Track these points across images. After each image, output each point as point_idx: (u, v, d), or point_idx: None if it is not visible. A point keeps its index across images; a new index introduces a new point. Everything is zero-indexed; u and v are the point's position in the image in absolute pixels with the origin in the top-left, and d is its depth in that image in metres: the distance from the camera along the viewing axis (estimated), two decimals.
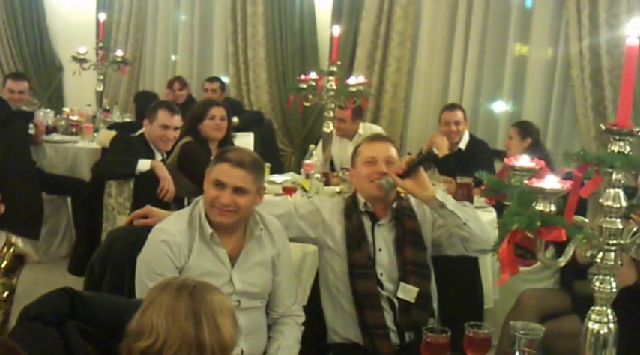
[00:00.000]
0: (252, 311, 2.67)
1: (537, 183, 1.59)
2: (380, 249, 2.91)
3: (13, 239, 2.58)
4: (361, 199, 2.95)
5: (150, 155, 4.36)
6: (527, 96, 6.11)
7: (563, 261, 1.70)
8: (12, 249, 2.54)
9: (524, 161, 1.77)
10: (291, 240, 2.92)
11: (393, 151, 2.92)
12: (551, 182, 1.59)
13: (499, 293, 4.28)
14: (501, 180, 1.67)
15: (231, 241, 2.64)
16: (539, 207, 1.60)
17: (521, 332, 2.23)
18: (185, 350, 1.68)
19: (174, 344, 1.68)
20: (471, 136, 5.47)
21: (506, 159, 1.84)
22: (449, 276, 3.07)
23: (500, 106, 6.35)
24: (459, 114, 5.40)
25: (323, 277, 3.00)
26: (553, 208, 1.64)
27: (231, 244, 2.64)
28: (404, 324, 2.86)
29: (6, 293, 2.55)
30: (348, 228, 2.91)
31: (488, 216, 4.30)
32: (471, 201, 4.24)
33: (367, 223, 2.93)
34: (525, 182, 1.65)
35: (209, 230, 2.58)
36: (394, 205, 2.94)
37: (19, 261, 2.59)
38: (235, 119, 6.24)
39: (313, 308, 3.02)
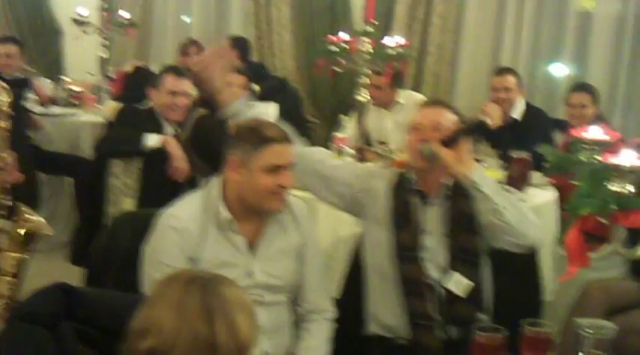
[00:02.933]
0: (275, 307, 2.67)
1: (612, 159, 1.51)
2: (427, 232, 2.91)
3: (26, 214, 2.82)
4: (411, 175, 2.95)
5: (159, 129, 4.33)
6: (592, 59, 6.01)
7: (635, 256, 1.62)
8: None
9: (595, 132, 1.68)
10: (330, 200, 3.01)
11: (446, 117, 2.89)
12: (630, 157, 1.50)
13: (559, 283, 4.22)
14: (569, 155, 1.59)
15: (249, 227, 2.63)
16: (615, 187, 1.52)
17: (589, 330, 2.18)
18: (196, 352, 1.66)
19: (183, 344, 1.66)
20: (528, 105, 5.39)
21: (572, 130, 1.76)
22: (504, 266, 3.03)
23: (561, 70, 6.26)
24: (509, 80, 5.34)
25: (369, 255, 3.00)
26: (632, 189, 1.55)
27: (249, 230, 2.63)
28: (449, 318, 2.86)
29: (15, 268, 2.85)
30: (394, 204, 2.92)
31: (547, 196, 4.31)
32: (527, 180, 4.26)
33: (415, 201, 2.93)
34: (598, 158, 1.56)
35: (228, 215, 2.58)
36: (448, 181, 2.92)
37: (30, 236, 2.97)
38: (256, 87, 6.20)
39: (347, 302, 3.03)
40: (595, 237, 4.57)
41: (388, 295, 2.90)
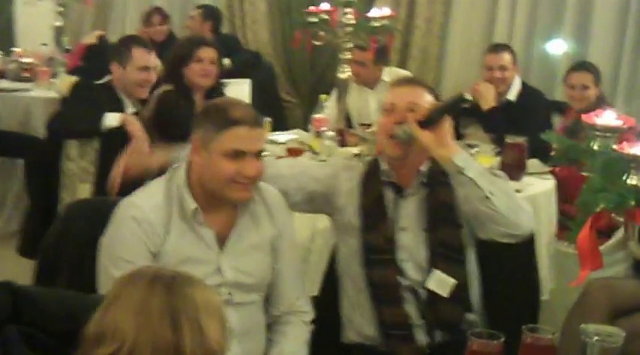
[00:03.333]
0: (247, 308, 2.62)
1: (630, 149, 1.45)
2: (403, 229, 2.85)
3: None
4: (383, 165, 2.89)
5: (119, 107, 4.25)
6: (593, 36, 5.97)
7: None
8: None
9: (608, 118, 1.63)
10: (301, 206, 2.94)
11: (422, 97, 2.83)
12: None
13: (555, 280, 4.27)
14: (577, 143, 1.54)
15: (218, 218, 2.58)
16: (634, 180, 1.46)
17: (595, 338, 2.13)
18: None
19: (145, 350, 1.63)
20: (524, 85, 5.37)
21: (583, 116, 1.71)
22: (495, 259, 2.99)
23: (560, 47, 6.21)
24: (505, 57, 5.30)
25: (339, 259, 2.98)
26: None
27: (218, 222, 2.58)
28: (433, 321, 2.82)
29: None
30: (364, 201, 2.87)
31: (545, 186, 4.31)
32: (523, 167, 4.23)
33: (389, 195, 2.87)
34: (613, 147, 1.51)
35: (192, 205, 2.52)
36: (424, 168, 2.85)
37: None
38: (227, 61, 6.18)
39: (326, 301, 3.00)
40: (602, 233, 4.62)
41: (363, 303, 2.87)
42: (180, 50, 4.56)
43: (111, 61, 4.41)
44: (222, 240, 2.58)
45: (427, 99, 2.82)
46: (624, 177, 1.44)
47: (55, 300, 1.92)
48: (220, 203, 2.56)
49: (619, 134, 1.58)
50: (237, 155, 2.46)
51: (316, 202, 2.95)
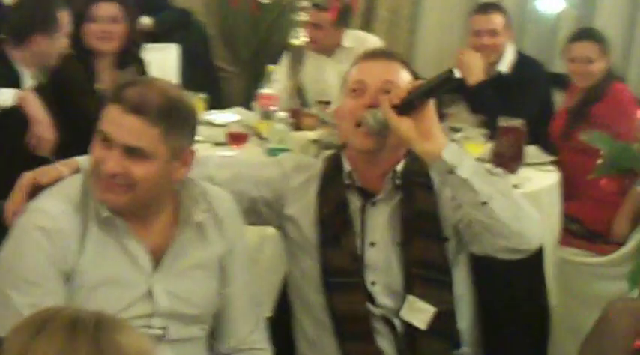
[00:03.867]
0: (186, 345, 2.53)
1: None
2: (373, 244, 2.77)
3: None
4: (346, 164, 2.79)
5: (13, 80, 4.12)
6: None
7: None
8: None
9: None
10: (245, 216, 2.78)
11: (400, 75, 2.73)
12: None
13: (559, 296, 4.23)
14: (630, 147, 1.42)
15: (151, 231, 2.48)
16: None
17: None
18: None
19: None
20: (519, 54, 5.31)
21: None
22: (495, 281, 2.94)
23: (560, 9, 6.19)
24: (496, 20, 5.26)
25: (291, 280, 2.93)
26: None
27: (152, 236, 2.47)
28: None
29: None
30: (322, 211, 2.78)
31: (547, 179, 4.31)
32: (520, 157, 4.17)
33: (354, 203, 2.78)
34: None
35: (104, 211, 2.40)
36: (398, 168, 2.74)
37: None
38: (147, 20, 6.08)
39: (282, 323, 2.94)
40: (591, 231, 4.61)
41: (323, 340, 2.81)
42: (77, 5, 4.47)
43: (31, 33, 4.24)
44: (156, 258, 2.47)
45: (405, 78, 2.73)
46: None
47: None
48: (151, 209, 2.47)
49: None
50: (104, 140, 2.34)
51: (260, 212, 2.86)
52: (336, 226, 2.76)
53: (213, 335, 2.63)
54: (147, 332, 2.37)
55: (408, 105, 2.55)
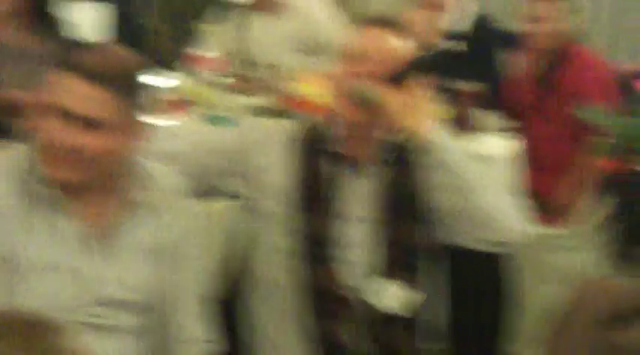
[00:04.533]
0: (124, 335, 2.38)
1: None
2: (349, 218, 2.70)
3: None
4: (334, 130, 2.72)
5: None
6: None
7: None
8: None
9: None
10: (199, 194, 2.71)
11: (397, 45, 2.65)
12: None
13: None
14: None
15: (90, 211, 2.35)
16: None
17: None
18: None
19: None
20: (479, 13, 4.99)
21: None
22: (467, 271, 2.91)
23: None
24: None
25: (251, 257, 2.83)
26: None
27: (90, 216, 2.35)
28: (378, 348, 2.68)
29: None
30: (301, 177, 2.71)
31: (505, 147, 4.15)
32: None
33: (334, 171, 2.72)
34: None
35: (44, 190, 2.29)
36: (385, 141, 2.70)
37: None
38: None
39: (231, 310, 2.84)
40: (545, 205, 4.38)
41: (283, 317, 2.72)
42: None
43: None
44: (93, 240, 2.34)
45: (403, 48, 2.65)
46: None
47: None
48: (96, 187, 2.34)
49: None
50: (58, 113, 2.23)
51: (224, 185, 2.79)
52: (313, 191, 2.71)
53: (151, 324, 2.45)
54: (79, 320, 2.26)
55: (398, 78, 2.56)
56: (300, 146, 2.74)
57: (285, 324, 2.74)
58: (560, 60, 4.60)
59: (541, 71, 4.66)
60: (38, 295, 2.18)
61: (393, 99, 2.55)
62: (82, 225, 2.35)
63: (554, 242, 4.47)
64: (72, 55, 2.30)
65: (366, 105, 2.58)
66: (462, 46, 4.74)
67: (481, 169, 2.66)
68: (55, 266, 2.31)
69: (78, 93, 2.23)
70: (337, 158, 2.70)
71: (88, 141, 2.24)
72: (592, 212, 4.51)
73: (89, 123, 2.23)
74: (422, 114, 2.58)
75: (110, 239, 2.38)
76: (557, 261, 4.43)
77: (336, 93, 2.67)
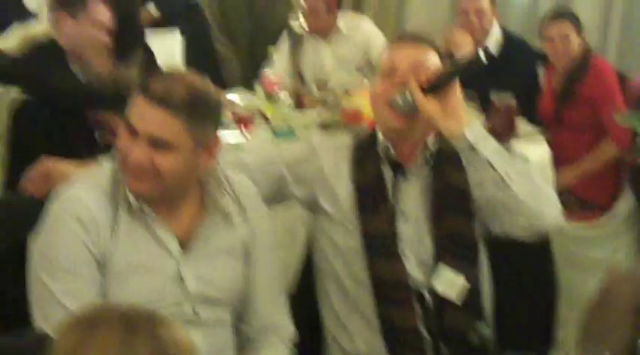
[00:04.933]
0: (215, 327, 2.45)
1: None
2: (404, 216, 2.70)
3: None
4: (381, 137, 2.71)
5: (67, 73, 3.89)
6: None
7: None
8: None
9: None
10: (269, 200, 2.72)
11: (429, 58, 2.66)
12: None
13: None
14: None
15: (179, 217, 2.41)
16: None
17: None
18: None
19: None
20: (505, 33, 5.16)
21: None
22: (508, 261, 2.86)
23: None
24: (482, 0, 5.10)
25: (319, 257, 2.81)
26: None
27: (179, 221, 2.41)
28: (439, 332, 2.66)
29: None
30: (359, 182, 2.71)
31: (538, 151, 4.22)
32: (513, 130, 4.13)
33: (388, 174, 2.71)
34: None
35: (135, 200, 2.34)
36: (430, 144, 2.69)
37: None
38: (153, 10, 5.99)
39: (305, 301, 2.85)
40: (585, 201, 4.53)
41: (354, 314, 2.73)
42: None
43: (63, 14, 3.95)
44: (184, 244, 2.40)
45: (434, 61, 2.65)
46: None
47: None
48: (178, 197, 2.40)
49: None
50: (131, 131, 2.27)
51: (288, 191, 2.79)
52: (373, 195, 2.69)
53: (240, 318, 2.55)
54: (178, 317, 2.29)
55: (435, 86, 2.53)
56: (355, 154, 2.74)
57: (349, 313, 2.73)
58: (577, 74, 4.68)
59: (560, 85, 4.75)
60: (130, 295, 2.20)
61: (431, 106, 2.52)
62: (168, 231, 2.38)
63: (588, 235, 4.53)
64: (146, 81, 2.31)
65: (407, 113, 2.57)
66: (493, 61, 5.01)
67: (516, 162, 2.61)
68: (145, 268, 2.34)
69: (148, 116, 2.25)
70: (389, 163, 2.69)
71: (158, 159, 2.26)
72: (623, 208, 4.55)
73: (157, 143, 2.25)
74: (458, 116, 2.54)
75: (194, 242, 2.41)
76: (592, 253, 4.51)
77: (381, 104, 2.64)
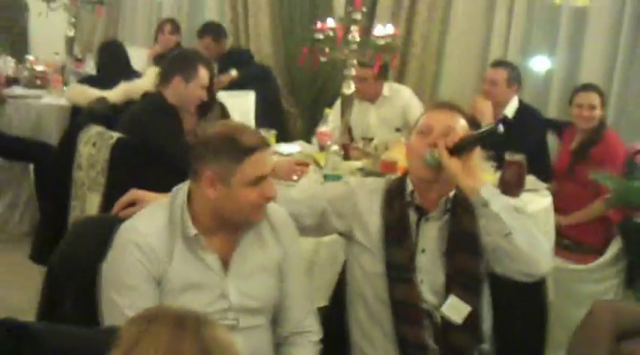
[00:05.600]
0: (254, 331, 2.46)
1: None
2: (423, 251, 2.66)
3: None
4: (409, 185, 2.70)
5: (177, 125, 4.01)
6: (585, 55, 5.74)
7: None
8: None
9: None
10: (312, 231, 2.80)
11: (459, 123, 2.64)
12: None
13: (554, 295, 3.97)
14: (632, 184, 1.32)
15: (220, 241, 2.41)
16: None
17: None
18: None
19: None
20: (521, 104, 5.12)
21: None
22: (508, 294, 2.81)
23: (552, 67, 6.01)
24: (498, 74, 5.08)
25: (350, 277, 2.80)
26: None
27: (221, 245, 2.41)
28: (446, 348, 2.64)
29: None
30: (387, 219, 2.69)
31: (543, 202, 4.12)
32: (522, 184, 4.04)
33: (412, 216, 2.68)
34: None
35: (192, 230, 2.34)
36: (451, 195, 2.67)
37: None
38: (234, 72, 5.99)
39: (336, 313, 2.85)
40: (570, 239, 4.47)
41: (374, 327, 2.71)
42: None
43: (178, 77, 4.09)
44: (225, 264, 2.40)
45: (462, 126, 2.63)
46: None
47: (57, 338, 1.73)
48: (224, 227, 2.39)
49: None
50: (258, 181, 2.30)
51: (329, 223, 2.78)
52: (398, 231, 2.66)
53: (275, 322, 2.55)
54: (223, 323, 2.28)
55: (459, 149, 2.53)
56: (386, 196, 2.72)
57: (371, 326, 2.71)
58: (594, 138, 4.70)
59: (577, 145, 4.78)
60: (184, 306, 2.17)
61: (454, 165, 2.52)
62: (213, 253, 2.37)
63: (582, 273, 4.49)
64: (235, 141, 2.29)
65: (434, 168, 2.57)
66: (509, 126, 4.95)
67: (520, 218, 2.56)
68: (199, 284, 2.35)
69: (266, 161, 2.33)
70: (413, 206, 2.67)
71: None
72: (611, 251, 4.51)
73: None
74: (475, 176, 2.53)
75: (235, 260, 2.40)
76: (586, 289, 4.45)
77: (413, 158, 2.65)
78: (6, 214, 5.55)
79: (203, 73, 4.03)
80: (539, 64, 6.10)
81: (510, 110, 5.03)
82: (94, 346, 1.55)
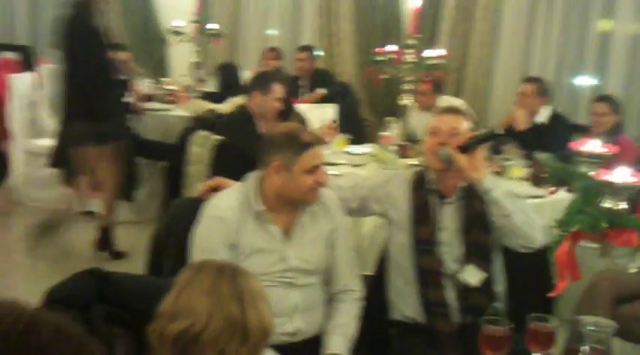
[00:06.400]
0: (308, 288, 2.49)
1: (605, 176, 1.22)
2: (444, 228, 2.66)
3: None
4: (429, 175, 2.70)
5: (253, 129, 4.09)
6: (610, 72, 5.60)
7: (634, 268, 1.36)
8: None
9: (592, 145, 1.40)
10: (356, 212, 2.80)
11: (462, 124, 2.63)
12: (623, 174, 1.21)
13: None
14: (567, 166, 1.32)
15: (283, 217, 2.47)
16: (607, 204, 1.23)
17: (591, 328, 1.95)
18: (228, 334, 1.51)
19: (216, 325, 1.51)
20: (553, 111, 5.00)
21: (572, 144, 1.48)
22: (518, 262, 2.76)
23: (583, 81, 5.93)
24: (528, 88, 4.97)
25: (389, 253, 2.78)
26: (624, 206, 1.26)
27: (284, 220, 2.47)
28: (465, 306, 2.62)
29: None
30: (414, 203, 2.68)
31: (565, 193, 3.93)
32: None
33: (433, 200, 2.68)
34: (590, 173, 1.28)
35: (260, 207, 2.42)
36: (464, 184, 2.65)
37: None
38: (323, 90, 6.08)
39: (380, 281, 2.82)
40: None
41: (407, 289, 2.69)
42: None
43: (256, 91, 4.14)
44: (287, 235, 2.46)
45: (465, 127, 2.63)
46: (598, 201, 1.21)
47: (135, 283, 1.83)
48: (287, 205, 2.45)
49: (603, 160, 1.35)
50: (314, 169, 2.38)
51: (369, 206, 2.78)
52: (422, 213, 2.66)
53: (326, 282, 2.57)
54: (282, 281, 2.41)
55: (467, 147, 2.54)
56: (413, 185, 2.71)
57: (404, 287, 2.70)
58: (607, 140, 4.61)
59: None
60: (253, 266, 2.15)
61: (462, 159, 2.53)
62: (276, 225, 2.43)
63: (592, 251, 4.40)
64: (296, 138, 2.38)
65: (446, 162, 2.58)
66: (542, 131, 4.76)
67: (517, 202, 2.57)
68: (265, 249, 2.40)
69: (319, 154, 2.41)
70: (434, 192, 2.67)
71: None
72: None
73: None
74: (480, 169, 2.53)
75: (294, 232, 2.45)
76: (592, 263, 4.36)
77: (430, 154, 2.64)
78: (146, 201, 5.72)
79: (277, 88, 4.09)
80: (572, 79, 6.01)
81: (543, 117, 4.92)
82: (158, 289, 1.61)
